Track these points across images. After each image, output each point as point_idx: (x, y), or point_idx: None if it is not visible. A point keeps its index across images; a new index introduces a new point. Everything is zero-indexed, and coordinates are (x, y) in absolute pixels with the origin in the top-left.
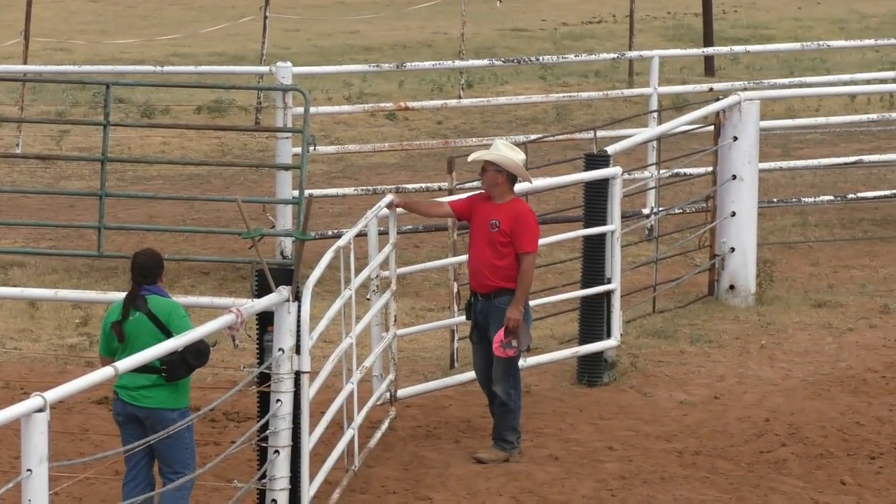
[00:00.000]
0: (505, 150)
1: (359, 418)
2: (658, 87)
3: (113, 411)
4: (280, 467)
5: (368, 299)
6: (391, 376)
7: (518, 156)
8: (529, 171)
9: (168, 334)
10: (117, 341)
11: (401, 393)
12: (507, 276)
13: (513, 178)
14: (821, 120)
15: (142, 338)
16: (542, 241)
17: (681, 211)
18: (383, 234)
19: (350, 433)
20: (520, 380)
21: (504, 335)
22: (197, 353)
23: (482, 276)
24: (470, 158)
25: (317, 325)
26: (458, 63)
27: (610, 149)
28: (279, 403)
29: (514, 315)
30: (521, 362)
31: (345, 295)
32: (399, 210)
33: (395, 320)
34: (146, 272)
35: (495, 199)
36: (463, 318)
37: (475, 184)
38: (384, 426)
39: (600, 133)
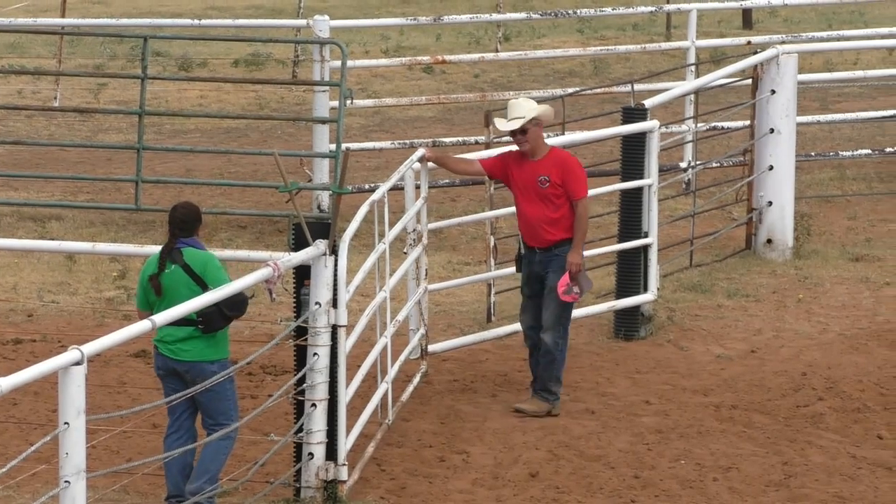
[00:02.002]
0: (529, 105)
1: (392, 372)
2: (696, 41)
3: (154, 365)
4: (317, 420)
5: (405, 253)
6: (422, 330)
7: (537, 104)
8: (567, 125)
9: (204, 286)
10: (154, 294)
11: (437, 347)
12: (565, 227)
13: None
14: (859, 73)
15: (178, 290)
16: None
17: (718, 165)
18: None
19: (384, 387)
20: (568, 332)
21: (568, 280)
22: (233, 304)
23: (541, 230)
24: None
25: (353, 279)
26: (495, 16)
27: (647, 102)
28: (316, 357)
29: (575, 260)
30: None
31: (378, 249)
32: (430, 164)
33: (427, 274)
34: (183, 225)
35: (534, 156)
36: (499, 272)
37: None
38: (415, 380)
39: (638, 87)
